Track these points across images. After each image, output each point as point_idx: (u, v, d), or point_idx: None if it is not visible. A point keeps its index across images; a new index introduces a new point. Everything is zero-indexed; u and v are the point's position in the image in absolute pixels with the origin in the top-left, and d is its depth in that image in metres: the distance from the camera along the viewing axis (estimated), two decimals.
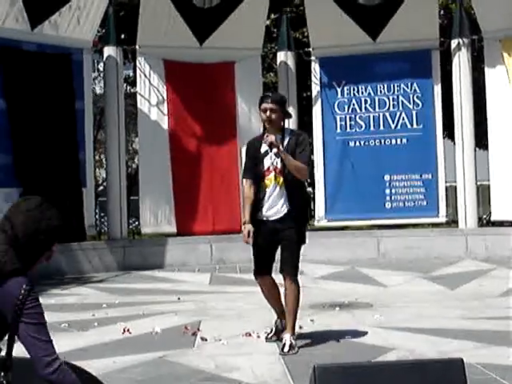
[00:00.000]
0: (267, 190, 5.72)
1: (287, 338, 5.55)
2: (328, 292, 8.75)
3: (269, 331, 6.00)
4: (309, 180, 14.89)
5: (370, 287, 9.24)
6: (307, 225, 6.16)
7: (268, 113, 5.69)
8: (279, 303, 5.90)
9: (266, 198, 5.71)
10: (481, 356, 5.07)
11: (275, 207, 5.69)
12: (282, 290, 5.89)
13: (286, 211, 5.68)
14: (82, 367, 3.12)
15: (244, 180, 5.94)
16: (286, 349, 5.51)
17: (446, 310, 7.21)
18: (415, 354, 5.19)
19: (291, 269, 5.67)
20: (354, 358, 5.18)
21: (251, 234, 5.68)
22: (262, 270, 5.80)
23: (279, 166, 5.70)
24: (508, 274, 9.70)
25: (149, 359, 5.43)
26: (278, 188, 5.70)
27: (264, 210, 5.72)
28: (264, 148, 5.73)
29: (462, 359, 3.04)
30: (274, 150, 5.60)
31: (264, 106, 5.73)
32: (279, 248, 5.78)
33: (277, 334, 5.91)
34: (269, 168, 5.72)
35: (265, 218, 5.71)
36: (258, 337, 6.08)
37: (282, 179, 5.69)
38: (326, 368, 3.04)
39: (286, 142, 5.72)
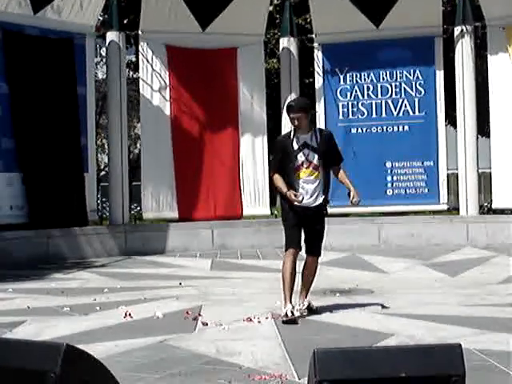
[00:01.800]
0: (301, 180, 6.31)
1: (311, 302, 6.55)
2: (329, 278, 8.77)
3: (285, 313, 6.20)
4: None
5: (371, 274, 9.27)
6: None
7: (296, 122, 6.28)
8: (293, 283, 6.35)
9: (303, 187, 6.30)
10: (480, 342, 5.09)
11: (312, 197, 6.30)
12: None
13: (320, 201, 6.34)
14: (86, 351, 3.14)
15: (273, 173, 6.50)
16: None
17: (447, 297, 7.24)
18: (415, 340, 5.21)
19: (319, 250, 6.54)
20: (354, 343, 5.21)
21: (298, 194, 6.20)
22: (297, 245, 6.36)
23: (315, 161, 6.30)
24: (508, 262, 9.74)
25: (150, 343, 5.46)
26: (313, 179, 6.31)
27: (303, 197, 6.25)
28: (296, 145, 6.33)
29: (460, 344, 3.06)
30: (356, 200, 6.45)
31: (292, 115, 6.31)
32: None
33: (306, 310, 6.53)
34: (303, 163, 6.31)
35: (301, 204, 6.22)
36: (259, 322, 6.11)
37: (317, 173, 6.31)
38: (327, 352, 3.06)
39: (318, 140, 6.33)
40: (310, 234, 6.47)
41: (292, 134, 6.41)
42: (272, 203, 13.46)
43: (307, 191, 6.32)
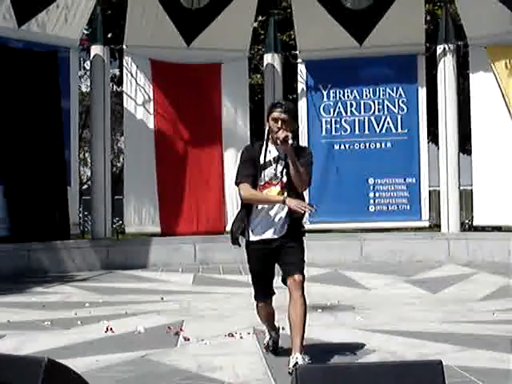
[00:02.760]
0: (265, 206, 5.05)
1: (299, 357, 4.79)
2: (310, 294, 8.67)
3: (266, 342, 5.58)
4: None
5: (353, 290, 9.28)
6: None
7: (280, 123, 4.96)
8: (272, 322, 5.51)
9: (264, 215, 5.05)
10: (460, 359, 5.12)
11: (275, 227, 5.05)
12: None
13: (286, 229, 5.04)
14: (67, 366, 3.13)
15: (241, 184, 5.07)
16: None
17: (428, 314, 7.27)
18: (396, 356, 5.23)
19: (300, 273, 5.00)
20: (336, 359, 5.22)
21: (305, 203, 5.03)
22: (265, 294, 5.26)
23: (285, 179, 5.02)
24: (489, 279, 9.80)
25: (131, 358, 5.44)
26: (279, 205, 5.00)
27: (260, 229, 5.07)
28: (268, 157, 5.05)
29: (440, 361, 3.09)
30: (288, 143, 4.85)
31: (276, 115, 4.99)
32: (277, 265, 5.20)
33: (275, 345, 5.56)
34: (270, 181, 5.04)
35: (267, 237, 5.05)
36: (241, 337, 6.11)
37: (285, 194, 4.99)
38: (308, 368, 3.08)
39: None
40: (283, 257, 5.06)
41: (264, 144, 5.10)
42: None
43: (271, 219, 5.03)
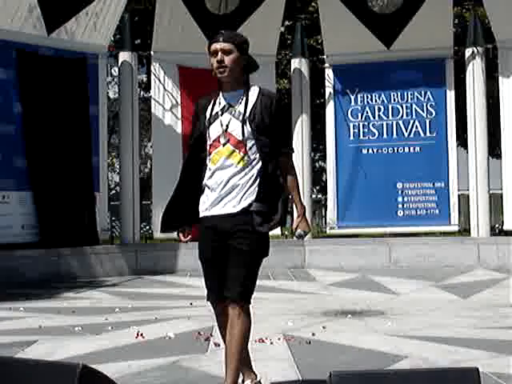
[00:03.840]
0: (216, 168, 3.94)
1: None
2: (340, 299, 8.76)
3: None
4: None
5: (382, 295, 9.23)
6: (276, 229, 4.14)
7: (219, 55, 3.89)
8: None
9: (217, 182, 3.92)
10: (495, 366, 5.06)
11: (228, 197, 3.90)
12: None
13: (246, 204, 3.87)
14: (101, 371, 3.15)
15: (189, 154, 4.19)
16: None
17: (459, 319, 7.21)
18: (428, 363, 5.18)
19: (240, 291, 3.92)
20: (367, 365, 5.19)
21: (185, 233, 4.17)
22: (217, 294, 4.05)
23: (238, 135, 3.90)
24: None
25: (163, 364, 5.45)
26: (234, 168, 3.89)
27: (210, 201, 3.97)
28: (216, 109, 4.01)
29: (477, 368, 3.06)
30: (303, 238, 4.08)
31: (214, 46, 3.93)
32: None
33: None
34: (218, 138, 3.96)
35: (211, 214, 3.97)
36: (271, 343, 6.09)
37: (241, 155, 3.89)
38: (342, 375, 3.06)
39: (250, 104, 3.92)
40: (229, 257, 3.94)
41: (216, 94, 4.08)
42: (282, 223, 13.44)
43: (221, 186, 3.91)
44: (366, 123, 13.08)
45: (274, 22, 13.15)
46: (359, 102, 13.14)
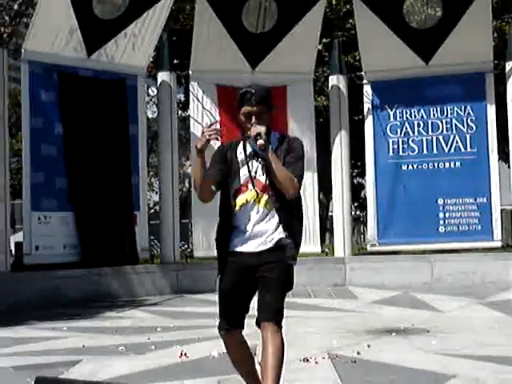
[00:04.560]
0: (243, 212, 4.12)
1: None
2: (382, 317, 8.66)
3: None
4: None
5: (426, 312, 9.12)
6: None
7: (254, 119, 4.10)
8: (254, 376, 4.46)
9: (244, 223, 4.12)
10: None
11: (258, 238, 4.10)
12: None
13: (274, 242, 4.09)
14: None
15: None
16: None
17: (507, 337, 7.06)
18: (479, 383, 5.08)
19: (274, 314, 4.13)
20: None
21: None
22: (229, 322, 4.27)
23: (262, 179, 4.12)
24: None
25: (207, 383, 5.42)
26: (261, 210, 4.11)
27: (242, 239, 4.13)
28: (241, 156, 4.19)
29: None
30: (260, 141, 3.98)
31: (245, 109, 4.14)
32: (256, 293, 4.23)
33: None
34: (246, 183, 4.14)
35: (243, 250, 4.13)
36: (316, 362, 6.03)
37: (266, 198, 4.10)
38: None
39: (275, 149, 4.11)
40: (259, 286, 4.14)
41: (241, 142, 4.23)
42: (322, 240, 13.38)
43: (248, 227, 4.11)
44: (406, 139, 12.98)
45: (312, 40, 13.14)
46: (398, 118, 13.05)
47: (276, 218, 4.09)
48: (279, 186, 4.05)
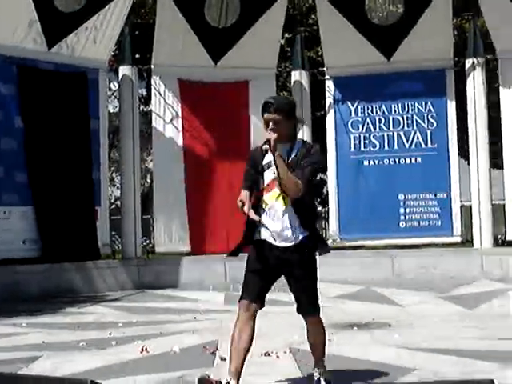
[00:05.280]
0: (268, 209, 4.72)
1: (316, 372, 4.90)
2: (345, 311, 8.71)
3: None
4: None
5: (387, 307, 9.18)
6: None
7: (271, 125, 4.63)
8: (241, 356, 4.74)
9: (268, 218, 4.71)
10: (507, 377, 5.01)
11: (283, 233, 4.69)
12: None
13: (299, 239, 4.69)
14: None
15: (242, 191, 4.88)
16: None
17: (466, 330, 7.16)
18: (438, 375, 5.12)
19: (313, 307, 4.85)
20: (376, 378, 5.14)
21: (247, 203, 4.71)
22: (252, 293, 4.76)
23: None
24: None
25: (168, 379, 5.40)
26: (283, 208, 4.68)
27: (267, 231, 4.74)
28: (267, 159, 4.74)
29: (492, 380, 3.02)
30: (265, 146, 4.57)
31: (266, 117, 4.67)
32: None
33: None
34: (270, 183, 4.73)
35: (268, 239, 4.75)
36: (277, 357, 6.04)
37: (286, 197, 4.67)
38: None
39: (293, 155, 4.72)
40: (291, 285, 4.83)
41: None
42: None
43: (277, 224, 4.70)
44: (367, 134, 13.06)
45: (274, 35, 13.15)
46: (360, 114, 13.12)
47: (295, 215, 4.66)
48: (284, 188, 4.62)
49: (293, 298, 4.95)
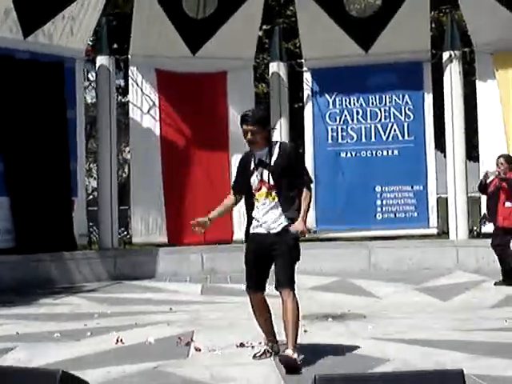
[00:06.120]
0: (259, 205, 5.60)
1: (290, 354, 5.25)
2: (320, 303, 8.73)
3: (257, 351, 5.73)
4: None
5: (362, 298, 9.23)
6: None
7: (249, 135, 5.57)
8: (268, 325, 5.75)
9: (259, 213, 5.60)
10: (477, 367, 5.06)
11: (270, 222, 5.54)
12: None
13: (282, 226, 5.52)
14: (81, 378, 3.10)
15: (231, 191, 5.93)
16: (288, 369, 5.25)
17: (439, 322, 7.22)
18: (410, 366, 5.18)
19: (287, 281, 5.47)
20: (349, 368, 5.18)
21: (197, 222, 5.92)
22: (255, 284, 5.66)
23: (269, 180, 5.58)
24: (499, 286, 9.73)
25: (143, 369, 5.40)
26: (271, 203, 5.56)
27: (258, 224, 5.62)
28: (252, 164, 5.65)
29: (462, 370, 3.06)
30: (304, 235, 5.66)
31: (244, 128, 5.60)
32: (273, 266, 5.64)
33: (266, 354, 5.67)
34: (257, 184, 5.61)
35: (259, 231, 5.61)
36: (252, 347, 6.06)
37: (273, 194, 5.55)
38: (327, 378, 3.04)
39: (274, 157, 5.58)
40: (275, 264, 5.59)
41: (252, 153, 5.75)
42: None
43: (265, 216, 5.57)
44: (345, 126, 13.09)
45: (252, 26, 13.12)
46: (337, 106, 13.15)
47: (279, 208, 5.54)
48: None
49: (270, 290, 5.36)
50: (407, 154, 12.86)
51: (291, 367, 5.18)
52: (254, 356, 5.66)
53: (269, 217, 5.56)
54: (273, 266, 5.61)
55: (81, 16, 11.98)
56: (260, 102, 15.12)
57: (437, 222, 13.05)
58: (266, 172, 5.58)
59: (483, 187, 10.33)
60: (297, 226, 5.48)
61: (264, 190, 5.57)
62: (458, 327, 6.89)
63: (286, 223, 5.52)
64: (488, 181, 10.17)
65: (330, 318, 7.57)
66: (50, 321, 7.78)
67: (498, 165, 10.01)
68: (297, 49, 14.72)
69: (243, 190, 5.75)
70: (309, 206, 5.65)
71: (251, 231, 5.68)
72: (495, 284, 9.84)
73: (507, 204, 9.86)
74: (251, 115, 5.60)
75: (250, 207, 5.69)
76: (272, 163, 5.56)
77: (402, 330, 6.75)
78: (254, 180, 5.61)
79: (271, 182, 5.56)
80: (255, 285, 5.65)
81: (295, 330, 5.42)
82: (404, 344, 6.10)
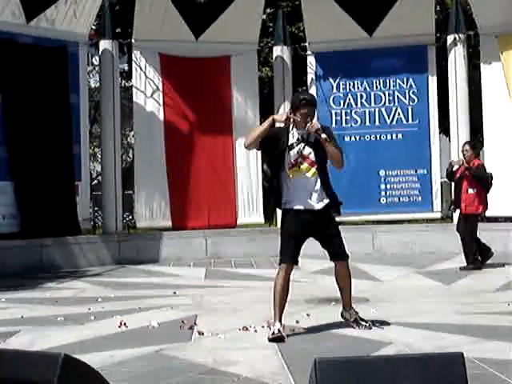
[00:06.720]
0: (295, 181, 5.77)
1: (352, 313, 6.09)
2: (323, 287, 8.73)
3: (272, 331, 5.71)
4: None
5: (366, 282, 9.22)
6: None
7: (309, 118, 5.77)
8: (284, 304, 5.90)
9: (298, 189, 5.78)
10: (478, 351, 5.07)
11: (312, 199, 5.78)
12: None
13: (325, 203, 5.81)
14: (84, 361, 3.10)
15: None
16: (357, 324, 6.04)
17: (442, 305, 7.23)
18: (413, 349, 5.18)
19: (345, 253, 6.05)
20: (352, 351, 5.18)
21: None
22: (291, 257, 5.87)
23: (311, 156, 5.79)
24: (502, 270, 9.73)
25: (146, 353, 5.41)
26: (311, 179, 5.78)
27: (297, 201, 5.80)
28: (291, 140, 5.82)
29: (462, 353, 3.05)
30: (324, 135, 5.69)
31: (306, 110, 5.77)
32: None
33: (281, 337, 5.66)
34: (297, 160, 5.77)
35: (301, 207, 5.80)
36: (255, 331, 6.08)
37: (314, 170, 5.78)
38: (329, 362, 3.03)
39: (323, 134, 5.82)
40: (325, 240, 6.00)
41: (290, 128, 5.88)
42: (266, 212, 13.40)
43: (304, 191, 5.77)
44: (349, 110, 13.06)
45: (256, 10, 13.07)
46: (341, 90, 13.11)
47: (319, 184, 5.77)
48: (332, 160, 5.86)
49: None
50: (411, 137, 12.83)
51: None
52: (273, 334, 5.66)
53: (309, 193, 5.77)
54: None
55: (84, 0, 11.93)
56: (263, 87, 15.08)
57: (441, 206, 13.03)
58: (308, 148, 5.77)
59: (450, 175, 10.45)
60: (316, 124, 5.73)
61: (305, 165, 5.76)
62: (461, 311, 6.89)
63: (328, 200, 5.80)
64: (454, 169, 10.29)
65: (333, 301, 7.56)
66: (54, 305, 7.80)
67: (463, 152, 10.23)
68: (301, 32, 14.67)
69: (275, 168, 5.90)
70: (336, 151, 5.83)
71: (292, 207, 5.83)
72: (460, 269, 9.87)
73: (470, 191, 10.12)
74: (310, 99, 5.89)
75: (277, 182, 5.86)
76: (313, 140, 5.78)
77: (405, 314, 6.75)
78: (293, 154, 5.77)
79: (312, 158, 5.77)
80: (291, 258, 5.85)
81: (350, 292, 6.13)
82: (406, 327, 6.10)
